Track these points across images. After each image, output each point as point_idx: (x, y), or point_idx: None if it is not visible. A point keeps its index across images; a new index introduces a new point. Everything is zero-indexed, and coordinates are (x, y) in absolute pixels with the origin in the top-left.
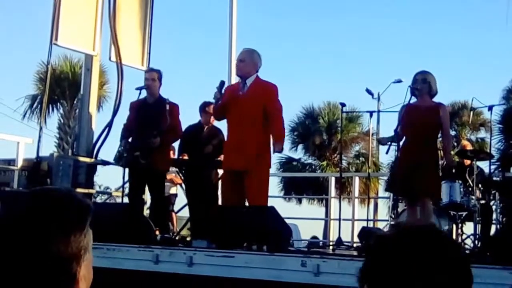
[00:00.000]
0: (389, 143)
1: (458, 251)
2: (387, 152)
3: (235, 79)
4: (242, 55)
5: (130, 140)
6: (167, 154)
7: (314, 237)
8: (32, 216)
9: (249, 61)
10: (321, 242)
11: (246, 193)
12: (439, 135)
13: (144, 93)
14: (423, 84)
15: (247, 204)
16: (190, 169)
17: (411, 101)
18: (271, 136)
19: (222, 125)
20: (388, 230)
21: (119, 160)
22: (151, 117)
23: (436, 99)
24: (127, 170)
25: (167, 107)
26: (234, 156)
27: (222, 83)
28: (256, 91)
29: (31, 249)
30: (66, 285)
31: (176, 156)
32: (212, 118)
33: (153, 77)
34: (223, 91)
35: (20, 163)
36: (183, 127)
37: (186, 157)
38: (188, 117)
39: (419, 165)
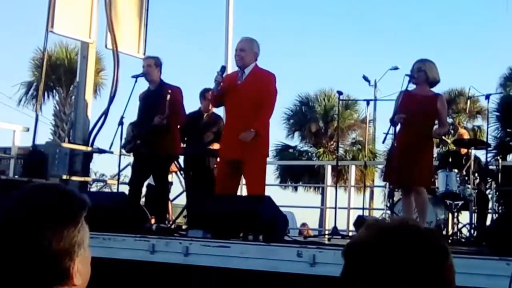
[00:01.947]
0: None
1: (435, 247)
2: (383, 142)
3: (232, 66)
4: (242, 44)
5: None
6: (173, 138)
7: (303, 224)
8: (24, 211)
9: (249, 50)
10: (306, 230)
11: (245, 181)
12: (435, 125)
13: (142, 81)
14: (418, 73)
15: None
16: (189, 157)
17: (410, 88)
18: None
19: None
20: (359, 231)
21: (125, 147)
22: (152, 103)
23: (435, 88)
24: (122, 158)
25: (168, 97)
26: (232, 145)
27: (223, 67)
28: (254, 80)
29: (23, 244)
30: (58, 280)
31: None
32: (211, 105)
33: (149, 63)
34: (224, 75)
35: (16, 151)
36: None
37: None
38: (186, 105)
39: (413, 154)
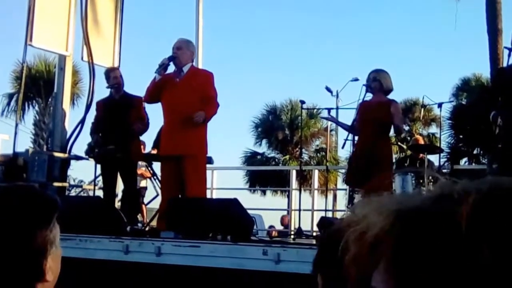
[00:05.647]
0: (334, 123)
1: None
2: (342, 147)
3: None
4: (178, 43)
5: (100, 135)
6: (139, 145)
7: (271, 226)
8: (0, 212)
9: (185, 49)
10: (274, 232)
11: (185, 177)
12: (391, 130)
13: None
14: (374, 82)
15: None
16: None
17: (367, 98)
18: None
19: None
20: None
21: (89, 153)
22: (119, 112)
23: (390, 96)
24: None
25: (144, 105)
26: (172, 141)
27: (172, 57)
28: (192, 78)
29: (1, 244)
30: (33, 277)
31: (146, 151)
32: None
33: (120, 74)
34: (170, 65)
35: None
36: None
37: (154, 152)
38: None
39: (373, 160)
